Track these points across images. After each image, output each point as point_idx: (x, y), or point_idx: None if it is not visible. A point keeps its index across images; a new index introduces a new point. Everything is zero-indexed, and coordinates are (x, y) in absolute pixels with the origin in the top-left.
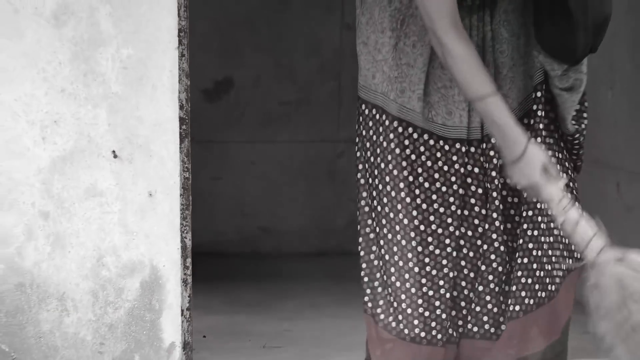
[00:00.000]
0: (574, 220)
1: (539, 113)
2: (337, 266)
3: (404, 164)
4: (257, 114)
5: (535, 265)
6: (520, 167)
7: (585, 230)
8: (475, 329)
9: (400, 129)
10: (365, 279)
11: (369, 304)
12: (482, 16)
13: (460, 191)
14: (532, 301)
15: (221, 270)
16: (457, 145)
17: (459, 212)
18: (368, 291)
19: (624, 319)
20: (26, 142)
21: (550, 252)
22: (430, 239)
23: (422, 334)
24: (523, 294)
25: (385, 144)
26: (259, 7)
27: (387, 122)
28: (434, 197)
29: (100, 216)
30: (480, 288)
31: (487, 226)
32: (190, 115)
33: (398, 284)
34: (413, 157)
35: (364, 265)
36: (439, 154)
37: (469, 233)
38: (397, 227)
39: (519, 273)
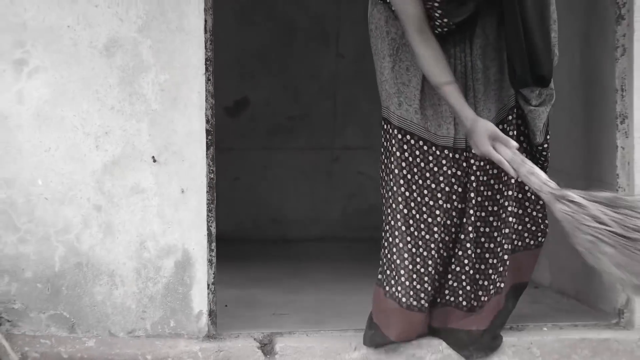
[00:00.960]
0: (529, 170)
1: (510, 133)
2: (333, 250)
3: (403, 164)
4: (268, 127)
5: (499, 250)
6: (473, 138)
7: (539, 175)
8: (452, 299)
9: (399, 136)
10: (382, 260)
11: (380, 277)
12: (464, 48)
13: (447, 189)
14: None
15: (239, 253)
16: (446, 152)
17: (444, 205)
18: (380, 269)
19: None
20: (83, 150)
21: (519, 227)
22: (422, 226)
23: (414, 303)
24: (494, 276)
25: (390, 147)
26: (270, 41)
27: (390, 130)
28: (425, 192)
29: (142, 209)
30: (458, 269)
31: (464, 219)
32: (214, 128)
33: (398, 261)
34: (410, 159)
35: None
36: (430, 158)
37: (448, 222)
38: (398, 216)
39: (488, 256)
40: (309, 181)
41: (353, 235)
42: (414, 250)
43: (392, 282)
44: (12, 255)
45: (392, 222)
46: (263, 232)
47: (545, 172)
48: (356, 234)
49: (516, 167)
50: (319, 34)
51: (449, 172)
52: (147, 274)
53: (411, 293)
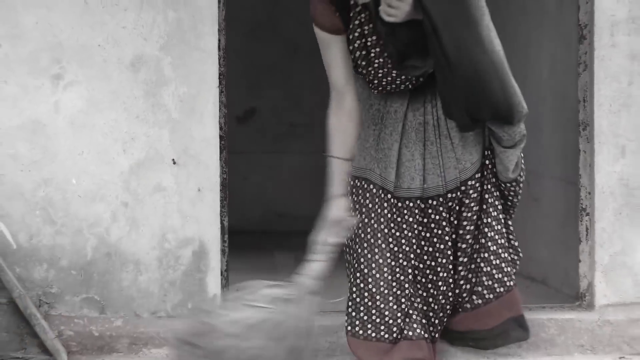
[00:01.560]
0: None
1: (487, 172)
2: None
3: (382, 220)
4: (273, 133)
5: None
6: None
7: (310, 273)
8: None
9: (381, 194)
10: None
11: (348, 325)
12: (436, 103)
13: (421, 234)
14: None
15: (249, 244)
16: (418, 202)
17: (417, 250)
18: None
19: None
20: (112, 153)
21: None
22: (398, 269)
23: (389, 334)
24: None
25: (369, 204)
26: (275, 57)
27: (371, 189)
28: (403, 241)
29: (164, 205)
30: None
31: (438, 260)
32: (227, 134)
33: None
34: (389, 214)
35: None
36: (405, 211)
37: (421, 265)
38: (374, 265)
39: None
40: (309, 181)
41: None
42: (393, 288)
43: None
44: (50, 245)
45: (372, 272)
46: (269, 225)
47: (514, 207)
48: None
49: (327, 231)
50: (319, 51)
51: (419, 219)
52: (168, 262)
53: (383, 325)
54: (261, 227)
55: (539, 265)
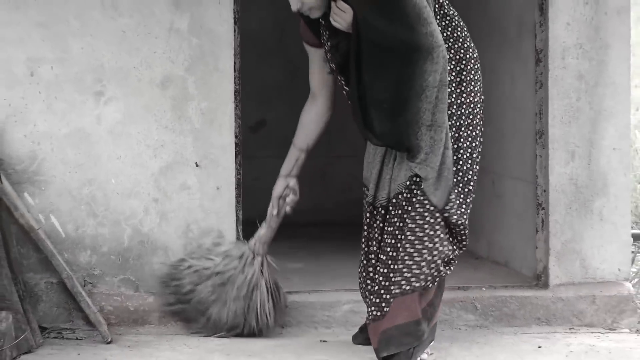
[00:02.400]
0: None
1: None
2: (329, 231)
3: (367, 221)
4: (280, 140)
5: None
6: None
7: (267, 227)
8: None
9: (369, 201)
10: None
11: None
12: None
13: (383, 229)
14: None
15: None
16: (382, 211)
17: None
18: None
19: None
20: (144, 157)
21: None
22: (372, 256)
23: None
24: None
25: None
26: (281, 77)
27: (365, 197)
28: (375, 234)
29: (188, 201)
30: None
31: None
32: (241, 141)
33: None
34: (369, 216)
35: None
36: (378, 216)
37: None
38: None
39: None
40: (309, 180)
41: (343, 221)
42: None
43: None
44: (93, 235)
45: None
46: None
47: (460, 248)
48: (346, 219)
49: (272, 203)
50: None
51: (382, 222)
52: (192, 248)
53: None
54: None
55: (502, 252)
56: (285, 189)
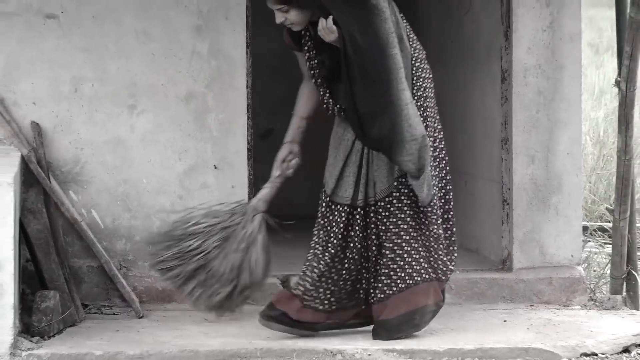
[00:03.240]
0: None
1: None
2: None
3: (325, 220)
4: None
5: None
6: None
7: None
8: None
9: (326, 199)
10: None
11: None
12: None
13: (348, 233)
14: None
15: (266, 225)
16: (346, 209)
17: (350, 243)
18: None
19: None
20: (170, 161)
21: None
22: (345, 261)
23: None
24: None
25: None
26: (286, 92)
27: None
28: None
29: (208, 198)
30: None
31: (363, 253)
32: (253, 147)
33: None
34: (329, 215)
35: None
36: (343, 214)
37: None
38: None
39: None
40: (308, 180)
41: None
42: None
43: None
44: (127, 226)
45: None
46: (281, 211)
47: (451, 257)
48: None
49: (275, 166)
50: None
51: (349, 222)
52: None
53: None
54: (277, 212)
55: (473, 240)
56: (289, 154)
